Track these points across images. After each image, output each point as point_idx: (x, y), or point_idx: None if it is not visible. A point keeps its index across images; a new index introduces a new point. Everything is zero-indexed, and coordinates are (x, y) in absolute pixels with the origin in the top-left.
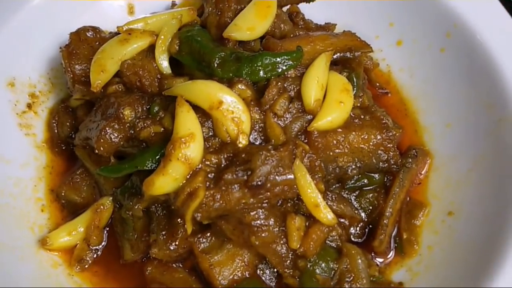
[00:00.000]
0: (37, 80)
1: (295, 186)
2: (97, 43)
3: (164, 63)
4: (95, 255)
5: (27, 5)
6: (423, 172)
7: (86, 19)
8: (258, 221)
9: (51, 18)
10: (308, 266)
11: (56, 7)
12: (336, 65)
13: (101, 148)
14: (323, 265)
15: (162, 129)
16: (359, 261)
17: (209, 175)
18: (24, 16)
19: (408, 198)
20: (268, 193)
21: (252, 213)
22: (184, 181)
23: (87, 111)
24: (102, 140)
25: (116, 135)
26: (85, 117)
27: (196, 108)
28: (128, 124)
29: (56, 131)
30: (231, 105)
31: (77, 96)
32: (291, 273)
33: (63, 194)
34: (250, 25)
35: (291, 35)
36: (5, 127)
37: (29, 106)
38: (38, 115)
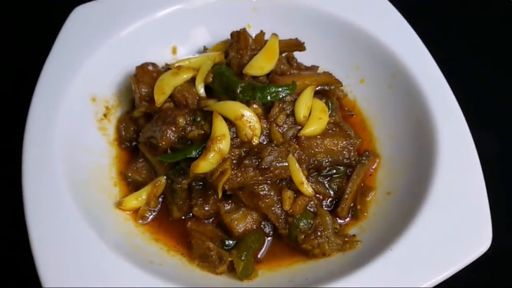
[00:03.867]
0: (110, 98)
1: (288, 170)
2: (155, 74)
3: (201, 90)
4: (152, 214)
5: (101, 48)
6: (373, 167)
7: (144, 58)
8: (264, 192)
9: (118, 56)
10: (295, 221)
11: (122, 49)
12: (318, 94)
13: (164, 143)
14: (304, 221)
15: (203, 132)
16: (327, 218)
17: (234, 161)
18: (101, 54)
19: (362, 184)
20: (271, 174)
21: (260, 187)
22: (217, 165)
23: (145, 120)
24: (164, 137)
25: (173, 134)
26: (145, 124)
27: (226, 119)
28: (180, 128)
29: (123, 133)
30: (249, 118)
31: (141, 109)
32: (283, 226)
33: (129, 175)
34: (260, 65)
35: (288, 73)
36: (89, 129)
37: (105, 115)
38: (110, 121)
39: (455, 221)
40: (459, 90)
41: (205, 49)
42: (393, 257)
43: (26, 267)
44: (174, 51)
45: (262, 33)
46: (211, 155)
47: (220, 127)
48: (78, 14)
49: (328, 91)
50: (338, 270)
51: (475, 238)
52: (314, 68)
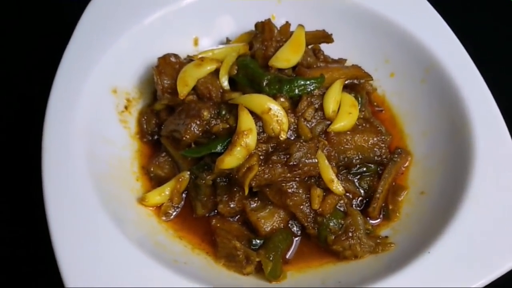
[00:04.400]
0: (131, 90)
1: (317, 167)
2: (177, 65)
3: (225, 82)
4: (176, 211)
5: (121, 39)
6: (405, 166)
7: (165, 49)
8: (292, 190)
9: (139, 47)
10: (324, 221)
11: (143, 39)
12: (346, 88)
13: (187, 136)
14: (334, 220)
15: (228, 126)
16: (359, 218)
17: (261, 157)
18: (122, 44)
19: (394, 183)
20: (300, 171)
21: (288, 184)
22: (244, 160)
23: (167, 113)
24: (188, 131)
25: (197, 128)
26: (167, 117)
27: (252, 113)
28: (205, 121)
29: (144, 126)
30: (276, 112)
31: (163, 102)
32: (312, 225)
33: (151, 170)
34: (286, 57)
35: (314, 66)
36: (110, 121)
37: (126, 107)
38: (131, 114)
39: (494, 222)
40: None
41: (227, 41)
42: (431, 260)
43: (26, 266)
44: (196, 42)
45: (287, 24)
46: (237, 150)
47: (246, 121)
48: (97, 3)
49: (357, 85)
50: (372, 273)
51: None
52: (341, 61)
